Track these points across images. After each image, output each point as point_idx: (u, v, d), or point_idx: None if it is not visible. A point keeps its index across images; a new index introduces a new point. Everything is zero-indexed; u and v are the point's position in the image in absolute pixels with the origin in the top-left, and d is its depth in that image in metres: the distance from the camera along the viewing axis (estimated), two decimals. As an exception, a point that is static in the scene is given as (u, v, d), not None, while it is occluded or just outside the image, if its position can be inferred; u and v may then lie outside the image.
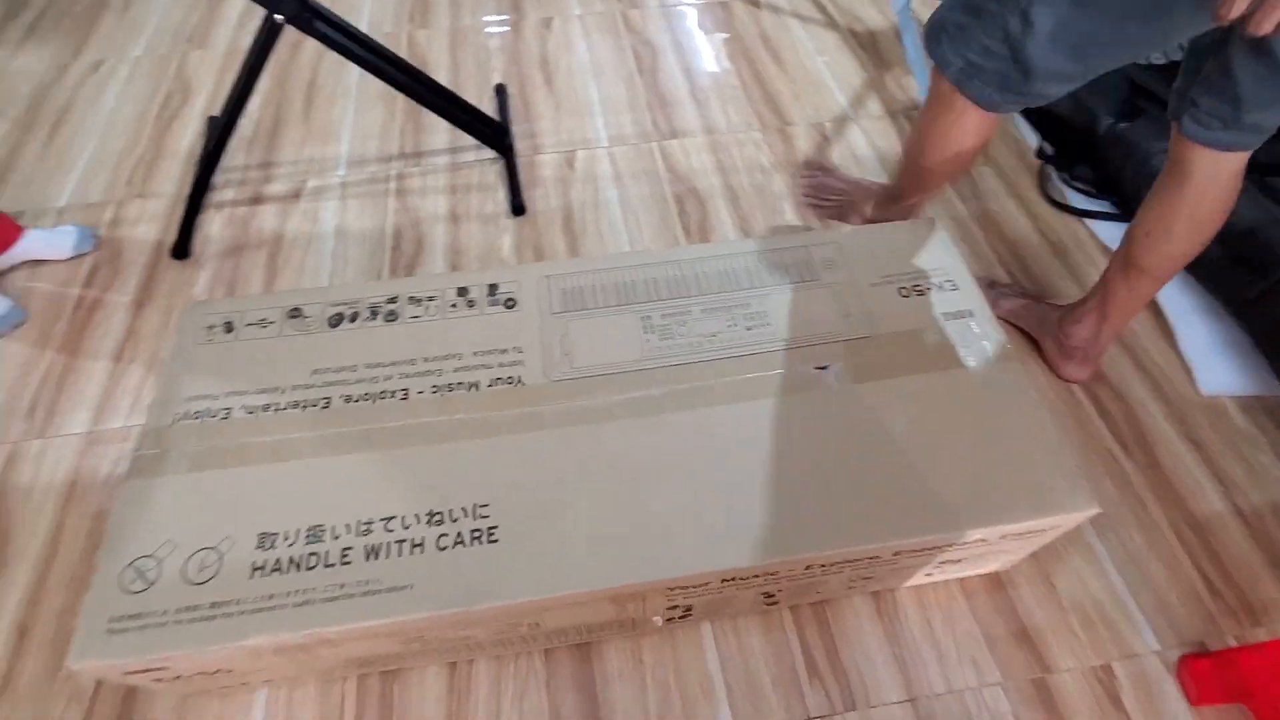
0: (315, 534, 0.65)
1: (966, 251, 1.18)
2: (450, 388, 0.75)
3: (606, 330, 0.79)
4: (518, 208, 1.22)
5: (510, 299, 0.82)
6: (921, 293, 0.83)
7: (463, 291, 0.83)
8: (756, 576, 0.67)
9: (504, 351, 0.78)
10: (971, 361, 0.77)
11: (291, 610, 0.61)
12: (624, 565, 0.64)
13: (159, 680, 0.65)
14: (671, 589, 0.66)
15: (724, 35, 1.61)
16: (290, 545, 0.64)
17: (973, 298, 0.82)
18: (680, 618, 0.77)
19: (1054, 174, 1.27)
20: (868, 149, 1.35)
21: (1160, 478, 0.93)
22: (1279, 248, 0.93)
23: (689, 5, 1.69)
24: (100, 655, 0.59)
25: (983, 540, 0.69)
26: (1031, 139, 1.35)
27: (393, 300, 0.82)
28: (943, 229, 0.89)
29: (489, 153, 1.29)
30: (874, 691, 0.77)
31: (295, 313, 0.81)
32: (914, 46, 1.38)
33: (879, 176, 1.30)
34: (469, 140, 1.28)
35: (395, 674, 0.78)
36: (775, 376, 0.76)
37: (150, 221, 1.21)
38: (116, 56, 1.54)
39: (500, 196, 1.25)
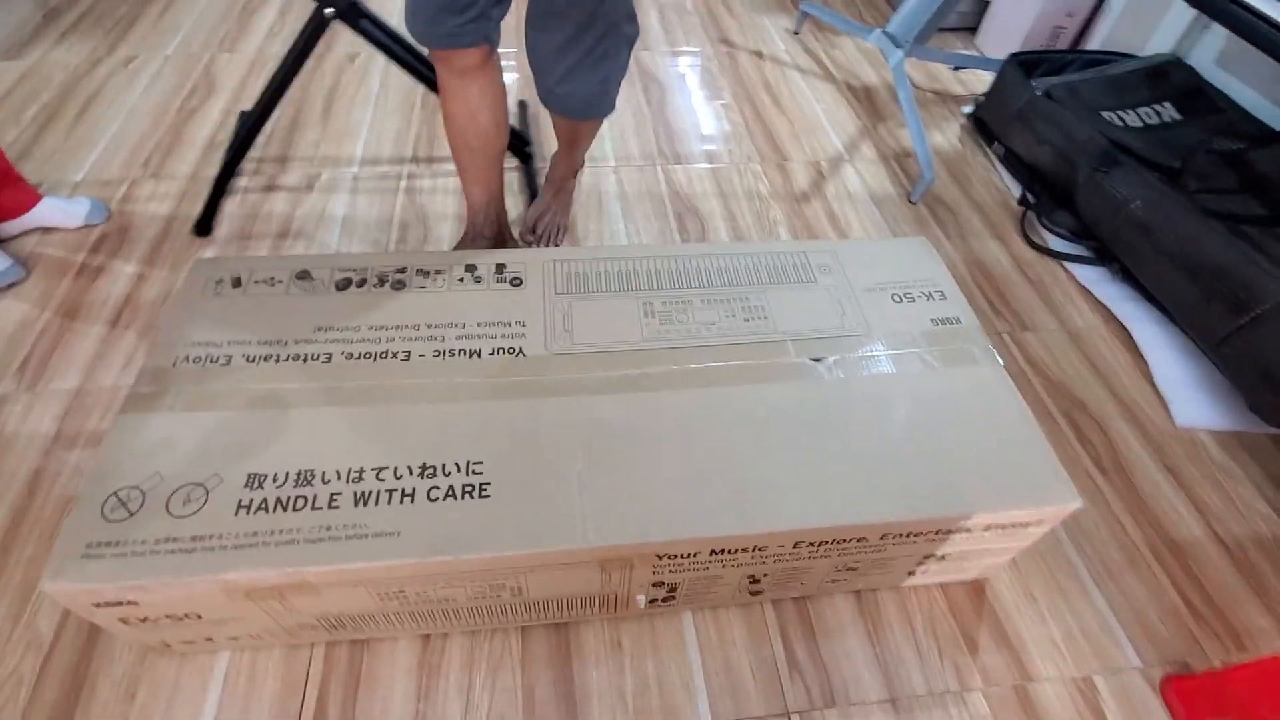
0: (305, 478, 0.64)
1: (954, 284, 1.22)
2: (452, 353, 0.76)
3: (608, 312, 0.82)
4: None
5: (517, 278, 0.84)
6: (912, 299, 0.86)
7: (471, 268, 0.85)
8: (745, 550, 0.67)
9: (507, 324, 0.79)
10: (960, 364, 0.80)
11: (275, 548, 0.60)
12: (614, 527, 0.64)
13: (125, 621, 0.63)
14: (660, 557, 0.66)
15: (729, 80, 1.70)
16: (279, 487, 0.64)
17: (960, 306, 0.86)
18: (663, 600, 0.76)
19: (1035, 220, 1.34)
20: (860, 187, 1.41)
21: (1138, 502, 0.95)
22: (1253, 288, 0.98)
23: (696, 52, 1.79)
24: (73, 579, 0.57)
25: (967, 530, 0.70)
26: (1015, 189, 1.42)
27: (401, 270, 0.84)
28: (929, 245, 0.93)
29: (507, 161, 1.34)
30: (854, 689, 0.75)
31: (304, 275, 0.82)
32: (907, 101, 1.47)
33: (871, 212, 1.36)
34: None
35: (365, 644, 0.76)
36: (771, 364, 0.78)
37: (161, 200, 1.23)
38: (149, 54, 1.59)
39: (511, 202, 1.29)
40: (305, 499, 0.63)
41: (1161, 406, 1.06)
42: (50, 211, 1.13)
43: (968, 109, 1.65)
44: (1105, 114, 1.37)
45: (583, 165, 1.23)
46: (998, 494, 0.69)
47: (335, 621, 0.70)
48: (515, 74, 1.63)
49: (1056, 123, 1.32)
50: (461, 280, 0.84)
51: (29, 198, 1.11)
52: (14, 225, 1.11)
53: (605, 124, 1.50)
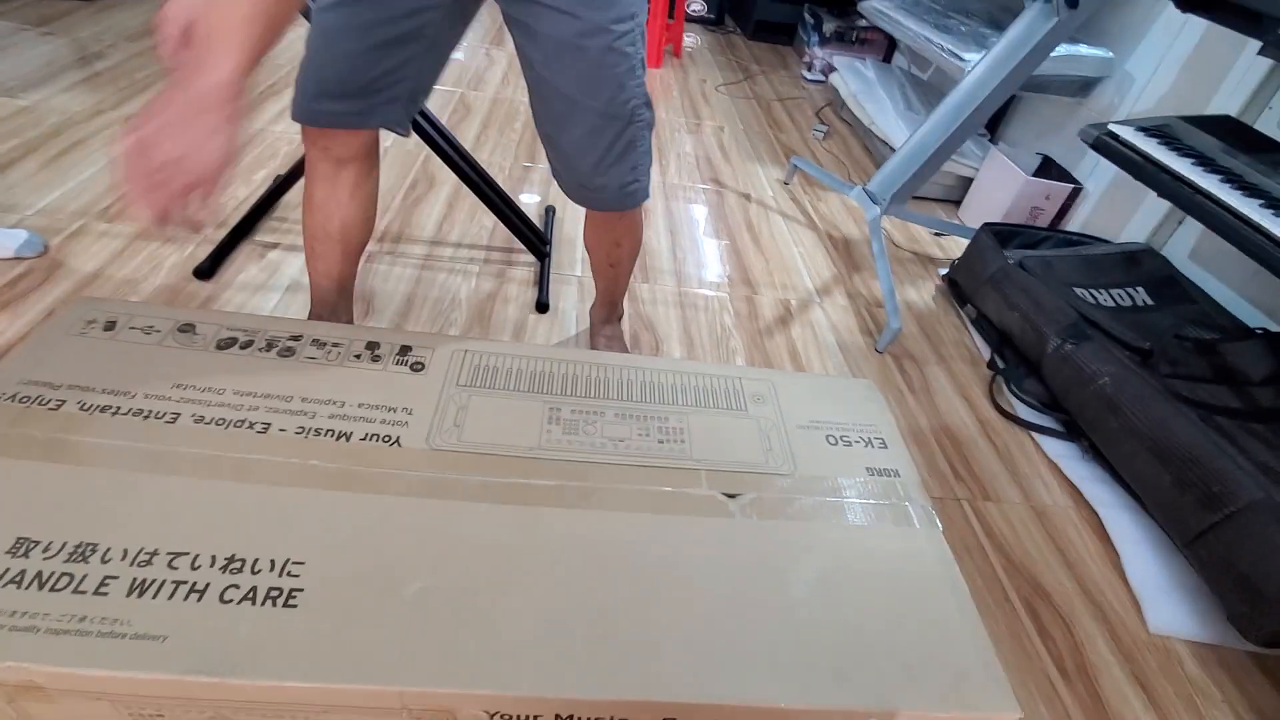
0: (83, 552, 0.53)
1: (910, 437, 1.15)
2: (318, 431, 0.67)
3: (508, 412, 0.73)
4: (543, 305, 1.28)
5: (419, 363, 0.77)
6: (849, 443, 0.78)
7: (372, 345, 0.78)
8: None
9: (392, 409, 0.71)
10: (893, 523, 0.70)
11: (6, 633, 0.48)
12: (439, 669, 0.51)
13: None
14: (491, 715, 0.53)
15: (713, 214, 1.73)
16: (47, 558, 0.52)
17: (901, 459, 0.77)
18: (506, 771, 0.61)
19: (1005, 385, 1.28)
20: (827, 329, 1.38)
21: (1103, 716, 0.81)
22: (1226, 481, 0.90)
23: (685, 185, 1.84)
24: None
25: (880, 729, 0.57)
26: (985, 352, 1.38)
27: (295, 338, 0.77)
28: (875, 388, 0.86)
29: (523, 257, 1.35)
30: None
31: (186, 328, 0.75)
32: (880, 251, 1.48)
33: (834, 355, 1.31)
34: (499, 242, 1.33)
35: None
36: (677, 494, 0.68)
37: (104, 247, 1.20)
38: (150, 115, 1.64)
39: (512, 291, 1.26)
40: (71, 577, 0.52)
41: (1134, 606, 0.94)
42: None
43: (944, 271, 1.65)
44: (1077, 290, 1.36)
45: (622, 314, 1.18)
46: (918, 689, 0.57)
47: (81, 746, 0.55)
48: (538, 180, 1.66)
49: (1027, 291, 1.31)
50: (358, 357, 0.76)
51: None
52: None
53: (579, 235, 1.50)
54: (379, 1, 0.73)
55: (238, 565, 0.55)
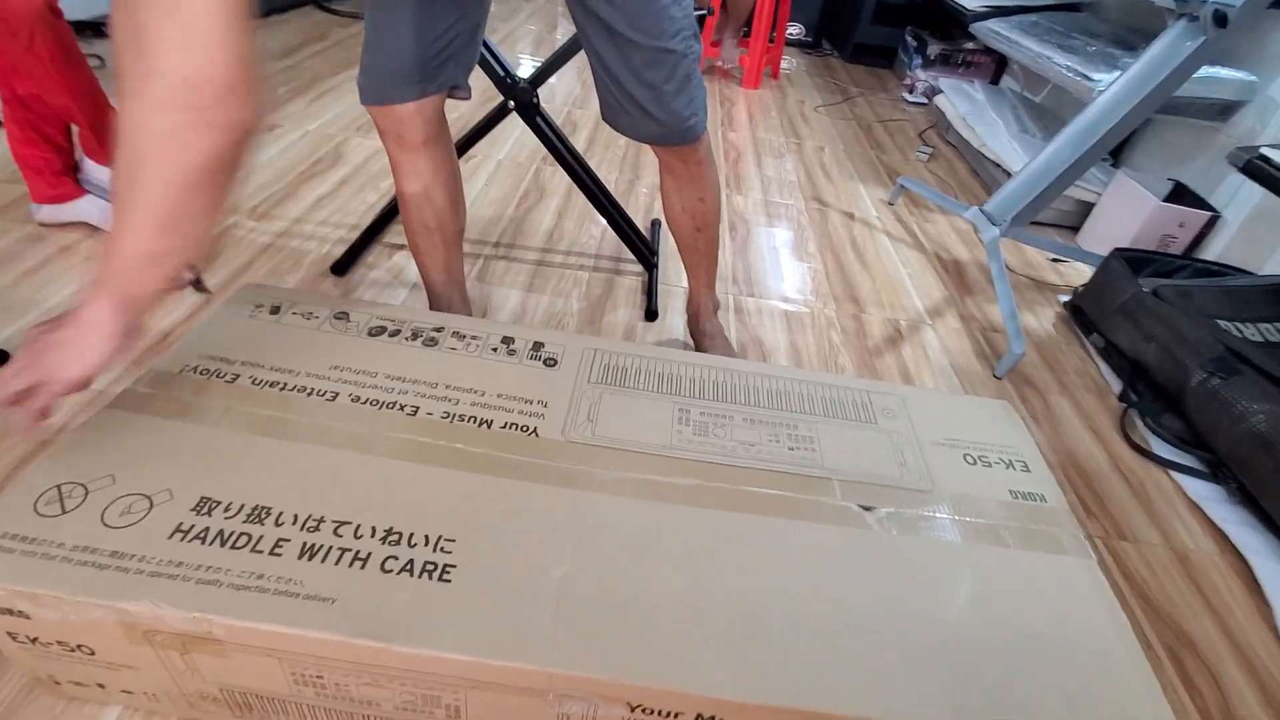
0: (259, 514, 0.57)
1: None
2: (462, 418, 0.69)
3: (639, 410, 0.74)
4: (652, 313, 1.30)
5: (552, 359, 0.79)
6: (989, 464, 0.74)
7: (507, 340, 0.81)
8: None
9: (528, 401, 0.73)
10: (1044, 550, 0.66)
11: (192, 586, 0.51)
12: (589, 654, 0.52)
13: (14, 637, 0.54)
14: (635, 707, 0.53)
15: (815, 233, 1.71)
16: (229, 518, 0.56)
17: (1047, 483, 0.73)
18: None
19: (1138, 419, 1.20)
20: (939, 351, 1.32)
21: (1270, 788, 0.73)
22: None
23: (787, 203, 1.83)
24: (-32, 568, 0.50)
25: (1039, 767, 0.53)
26: (1115, 384, 1.30)
27: (438, 330, 0.80)
28: (1013, 409, 0.82)
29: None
30: None
31: (341, 315, 0.80)
32: (999, 275, 1.42)
33: (949, 378, 1.26)
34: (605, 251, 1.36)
35: (274, 740, 0.63)
36: (812, 502, 0.66)
37: (251, 241, 1.29)
38: (293, 126, 1.77)
39: (620, 298, 1.29)
40: (250, 537, 0.55)
41: None
42: (89, 208, 1.24)
43: (1065, 297, 1.57)
44: (1220, 322, 1.26)
45: (718, 305, 1.20)
46: (1078, 717, 0.53)
47: (241, 700, 0.58)
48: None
49: (1166, 321, 1.22)
50: (495, 350, 0.79)
51: (70, 190, 1.22)
52: (60, 213, 1.24)
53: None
54: None
55: (395, 538, 0.57)
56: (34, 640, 0.55)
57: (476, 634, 0.51)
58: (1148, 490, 1.08)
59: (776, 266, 1.53)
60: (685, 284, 1.18)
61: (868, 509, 0.67)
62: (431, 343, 0.78)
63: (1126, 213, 1.71)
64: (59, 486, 0.56)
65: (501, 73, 1.17)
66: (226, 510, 0.57)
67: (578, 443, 0.69)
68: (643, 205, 1.71)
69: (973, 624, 0.58)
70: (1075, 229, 1.93)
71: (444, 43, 0.84)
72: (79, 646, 0.55)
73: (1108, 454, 1.15)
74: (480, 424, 0.69)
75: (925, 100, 2.85)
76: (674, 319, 1.29)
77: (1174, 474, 1.11)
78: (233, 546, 0.54)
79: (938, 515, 0.67)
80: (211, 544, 0.54)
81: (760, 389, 0.80)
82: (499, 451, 0.66)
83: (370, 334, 0.78)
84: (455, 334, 0.80)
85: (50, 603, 0.50)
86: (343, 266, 1.27)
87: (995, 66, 2.86)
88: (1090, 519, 1.02)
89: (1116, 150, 2.02)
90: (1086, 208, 1.89)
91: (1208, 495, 1.07)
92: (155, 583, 0.51)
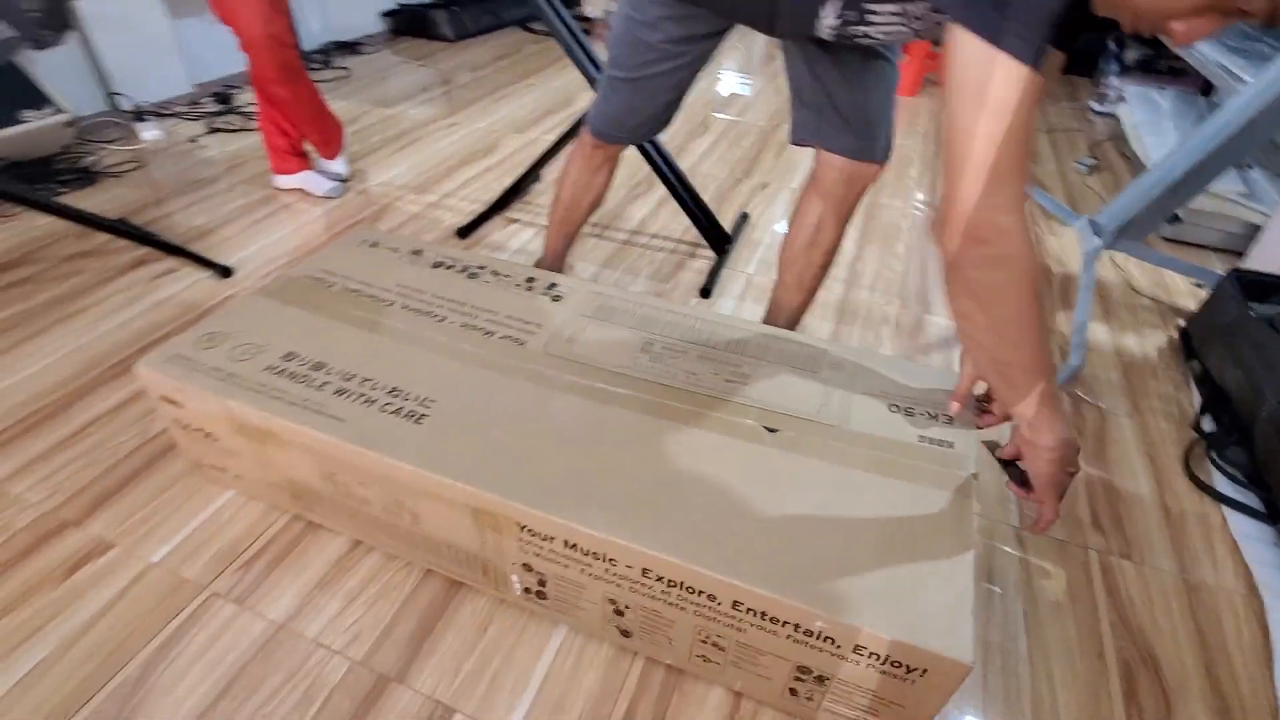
0: (318, 366, 0.83)
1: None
2: (473, 327, 0.91)
3: (613, 338, 0.90)
4: (705, 291, 1.45)
5: (559, 295, 0.98)
6: (911, 415, 0.80)
7: (530, 280, 1.01)
8: (596, 556, 0.68)
9: (527, 323, 0.93)
10: (925, 484, 0.72)
11: (267, 398, 0.78)
12: (491, 480, 0.70)
13: (179, 423, 0.86)
14: (522, 527, 0.70)
15: (915, 235, 1.71)
16: (300, 365, 0.83)
17: (963, 436, 0.77)
18: (536, 595, 0.78)
19: (1205, 452, 1.09)
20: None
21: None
22: None
23: (886, 206, 1.84)
24: (153, 368, 0.82)
25: (832, 643, 0.62)
26: (1194, 408, 1.18)
27: (481, 268, 1.03)
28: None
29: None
30: (679, 789, 0.67)
31: (417, 252, 1.06)
32: (1085, 287, 1.34)
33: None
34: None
35: (313, 528, 0.89)
36: (724, 420, 0.79)
37: (407, 207, 1.65)
38: (468, 123, 2.20)
39: (685, 278, 1.47)
40: (308, 378, 0.81)
41: (1271, 711, 0.77)
42: (308, 180, 1.68)
43: (1184, 323, 1.43)
44: (1342, 352, 1.10)
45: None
46: (883, 618, 0.60)
47: (297, 490, 0.85)
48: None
49: (1261, 348, 1.10)
50: (519, 286, 1.00)
51: (297, 165, 1.64)
52: (284, 181, 1.68)
53: (765, 241, 1.62)
54: (651, 80, 0.99)
55: (397, 392, 0.80)
56: (186, 426, 0.86)
57: (424, 456, 0.72)
58: (1187, 521, 1.00)
59: (852, 261, 1.58)
60: (750, 269, 1.31)
61: (772, 430, 0.77)
62: (474, 276, 1.01)
63: (1294, 234, 1.49)
64: (210, 334, 0.87)
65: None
66: (300, 361, 0.84)
67: (554, 355, 0.87)
68: (742, 197, 1.84)
69: (822, 529, 0.67)
70: (1239, 253, 1.71)
71: (666, 117, 1.07)
72: (209, 433, 0.85)
73: (1156, 480, 1.07)
74: (485, 333, 0.90)
75: (1114, 111, 2.61)
76: (727, 300, 1.42)
77: (1226, 510, 1.01)
78: (297, 381, 0.81)
79: (832, 443, 0.76)
80: (285, 378, 0.81)
81: (723, 337, 0.92)
82: (491, 354, 0.87)
83: (433, 266, 1.03)
84: (494, 272, 1.03)
85: (193, 395, 0.80)
86: (466, 231, 1.57)
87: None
88: (1094, 531, 0.98)
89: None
90: (1254, 230, 1.66)
91: (1254, 535, 0.97)
92: (245, 393, 0.79)
